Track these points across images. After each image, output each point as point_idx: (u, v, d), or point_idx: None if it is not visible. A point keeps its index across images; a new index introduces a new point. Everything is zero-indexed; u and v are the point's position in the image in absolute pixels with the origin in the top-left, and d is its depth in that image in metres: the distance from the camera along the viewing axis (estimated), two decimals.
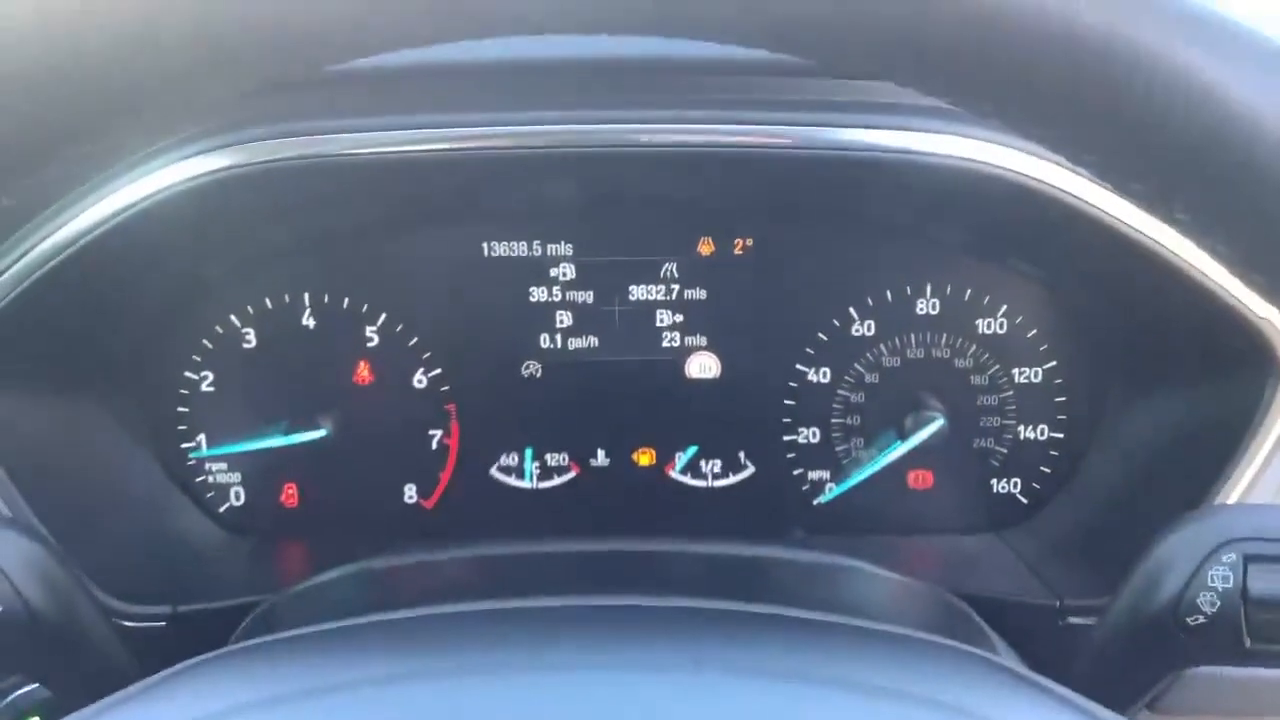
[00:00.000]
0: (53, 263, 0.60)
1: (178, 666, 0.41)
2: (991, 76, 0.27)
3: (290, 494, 0.79)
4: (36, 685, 0.60)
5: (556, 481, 0.80)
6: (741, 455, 0.80)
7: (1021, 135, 0.30)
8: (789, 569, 0.62)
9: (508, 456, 0.80)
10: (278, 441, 0.76)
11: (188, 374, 0.76)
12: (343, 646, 0.41)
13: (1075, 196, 0.61)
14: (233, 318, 0.76)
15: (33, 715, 0.60)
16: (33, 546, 0.49)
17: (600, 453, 0.80)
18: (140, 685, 0.40)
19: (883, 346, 0.77)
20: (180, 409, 0.77)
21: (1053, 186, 0.61)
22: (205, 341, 0.76)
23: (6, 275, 0.60)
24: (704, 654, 0.39)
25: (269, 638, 0.42)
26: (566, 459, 0.80)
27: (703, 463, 0.80)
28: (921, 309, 0.76)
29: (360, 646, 0.41)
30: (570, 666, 0.38)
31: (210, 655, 0.41)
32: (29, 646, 0.50)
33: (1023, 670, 0.38)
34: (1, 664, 0.55)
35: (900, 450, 0.76)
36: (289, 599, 0.59)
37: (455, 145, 0.64)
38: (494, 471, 0.80)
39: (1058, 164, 0.61)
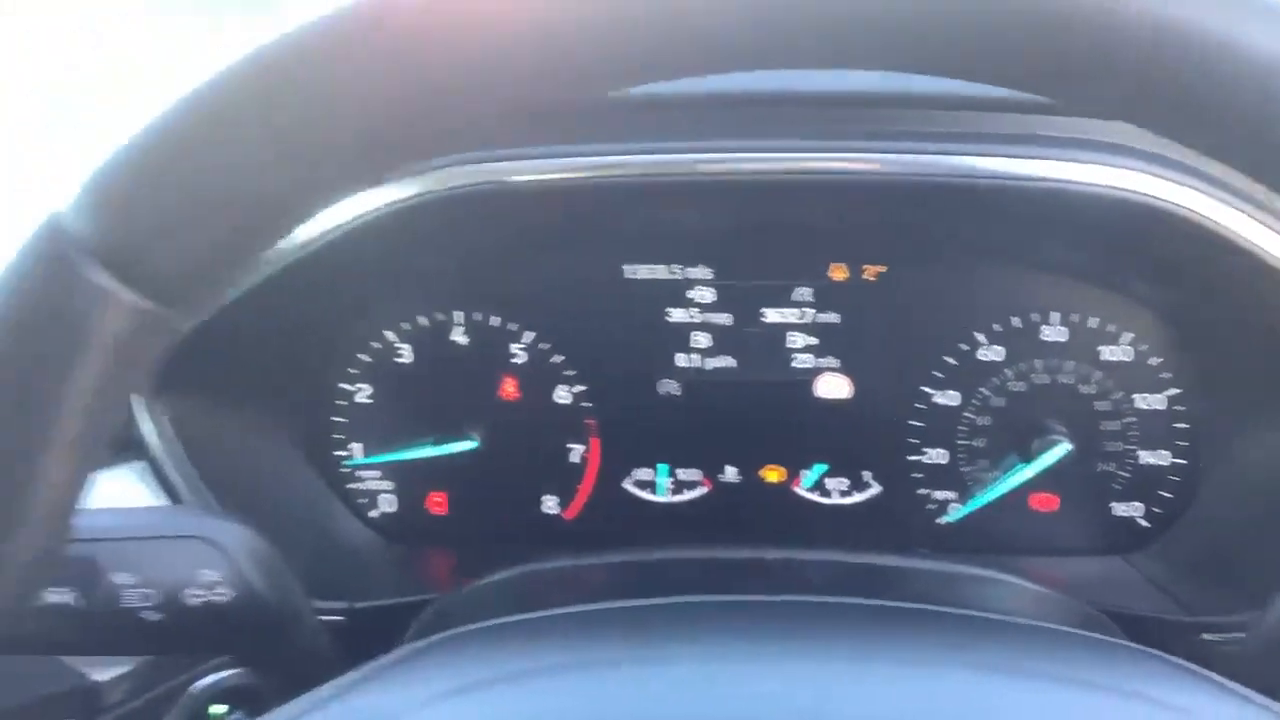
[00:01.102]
0: (259, 280, 0.65)
1: (404, 650, 0.45)
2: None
3: (438, 502, 0.83)
4: (230, 673, 0.65)
5: (688, 496, 0.84)
6: (868, 474, 0.82)
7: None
8: (936, 577, 0.65)
9: (641, 471, 0.83)
10: (430, 452, 0.80)
11: (344, 386, 0.81)
12: (557, 634, 0.44)
13: (1217, 223, 0.64)
14: (388, 334, 0.80)
15: (221, 703, 0.65)
16: (254, 535, 0.54)
17: (730, 469, 0.83)
18: (382, 662, 0.44)
19: (1010, 371, 0.79)
20: (336, 419, 0.81)
21: (1194, 212, 0.64)
22: (362, 356, 0.81)
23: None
24: (897, 648, 0.42)
25: (497, 621, 0.46)
26: (698, 474, 0.83)
27: (829, 480, 0.83)
28: (1048, 335, 0.79)
29: (568, 635, 0.45)
30: (778, 657, 0.41)
31: (446, 635, 0.45)
32: (249, 630, 0.54)
33: (1204, 671, 0.41)
34: (217, 645, 0.59)
35: (1027, 473, 0.79)
36: (464, 596, 0.63)
37: (606, 173, 0.68)
38: (627, 485, 0.83)
39: (1202, 190, 0.63)
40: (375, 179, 0.36)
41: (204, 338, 0.63)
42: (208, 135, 0.32)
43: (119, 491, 0.68)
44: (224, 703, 0.65)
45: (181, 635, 0.53)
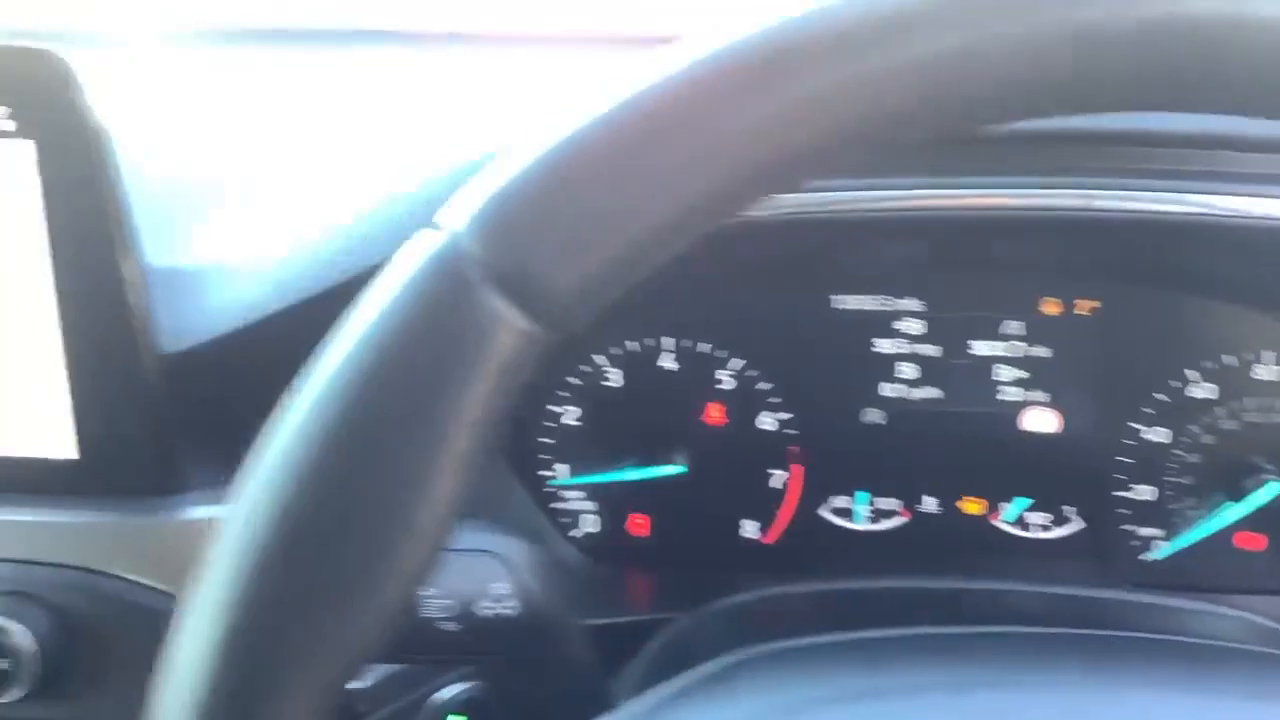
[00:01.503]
0: None
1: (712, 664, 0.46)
2: None
3: (639, 524, 0.84)
4: (467, 686, 0.66)
5: (885, 525, 0.84)
6: (1070, 509, 0.82)
7: None
8: (1170, 612, 0.64)
9: (840, 498, 0.84)
10: (637, 475, 0.82)
11: (553, 408, 0.83)
12: (870, 657, 0.45)
13: None
14: (597, 358, 0.82)
15: (459, 715, 0.66)
16: (534, 550, 0.55)
17: (929, 499, 0.83)
18: (692, 680, 0.45)
19: (1221, 409, 0.79)
20: (544, 440, 0.83)
21: None
22: (572, 379, 0.82)
23: None
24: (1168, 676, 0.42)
25: (802, 642, 0.47)
26: (897, 504, 0.84)
27: (1030, 514, 0.83)
28: (1261, 374, 0.78)
29: (880, 658, 0.46)
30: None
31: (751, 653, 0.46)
32: (530, 643, 0.56)
33: None
34: (499, 656, 0.61)
35: (1237, 511, 0.78)
36: (709, 617, 0.65)
37: (826, 210, 0.70)
38: (824, 512, 0.84)
39: None
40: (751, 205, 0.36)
41: None
42: (622, 159, 0.33)
43: None
44: (461, 714, 0.67)
45: (472, 646, 0.55)
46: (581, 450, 0.83)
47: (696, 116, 0.33)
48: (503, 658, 0.61)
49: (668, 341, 0.82)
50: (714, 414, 0.82)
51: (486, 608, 0.54)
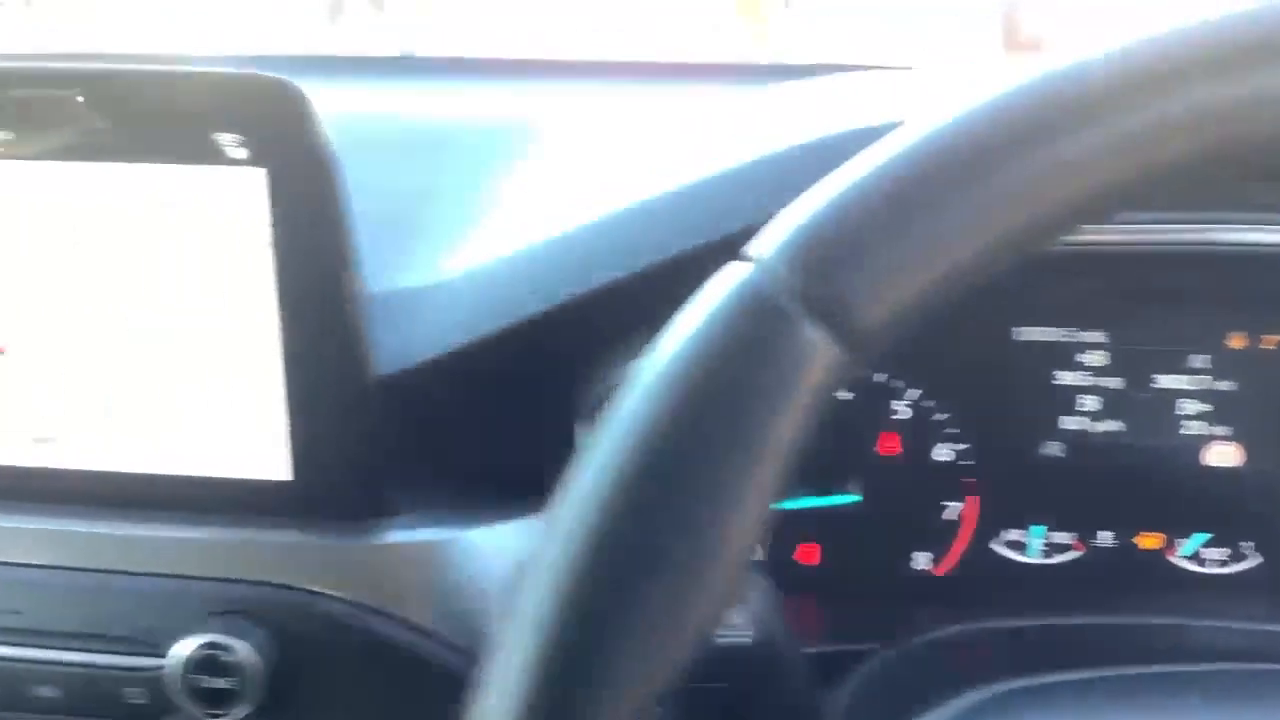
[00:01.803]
0: None
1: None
2: None
3: (809, 552, 0.84)
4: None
5: (1058, 559, 0.83)
6: (1249, 545, 0.81)
7: None
8: None
9: (1013, 531, 0.83)
10: (810, 503, 0.82)
11: None
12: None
13: None
14: None
15: None
16: (760, 577, 0.55)
17: (1105, 533, 0.83)
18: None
19: None
20: None
21: None
22: None
23: None
24: None
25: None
26: (1071, 537, 0.83)
27: (1206, 550, 0.82)
28: None
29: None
30: None
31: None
32: (758, 674, 0.56)
33: None
34: (727, 683, 0.61)
35: None
36: (914, 650, 0.64)
37: None
38: (996, 545, 0.84)
39: None
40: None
41: None
42: (944, 188, 0.34)
43: None
44: None
45: (706, 672, 0.55)
46: None
47: (1026, 147, 0.33)
48: (731, 686, 0.61)
49: None
50: (889, 444, 0.82)
51: (721, 635, 0.54)
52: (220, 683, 0.61)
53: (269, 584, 0.64)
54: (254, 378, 0.65)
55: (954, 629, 0.65)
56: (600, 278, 0.66)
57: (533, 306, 0.66)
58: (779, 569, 0.84)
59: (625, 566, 0.34)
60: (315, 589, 0.64)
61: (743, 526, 0.35)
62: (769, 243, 0.35)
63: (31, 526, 0.66)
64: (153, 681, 0.63)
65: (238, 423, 0.66)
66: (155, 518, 0.67)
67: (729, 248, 0.65)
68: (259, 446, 0.66)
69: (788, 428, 0.34)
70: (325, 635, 0.63)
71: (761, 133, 0.75)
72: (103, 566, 0.66)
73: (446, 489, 0.69)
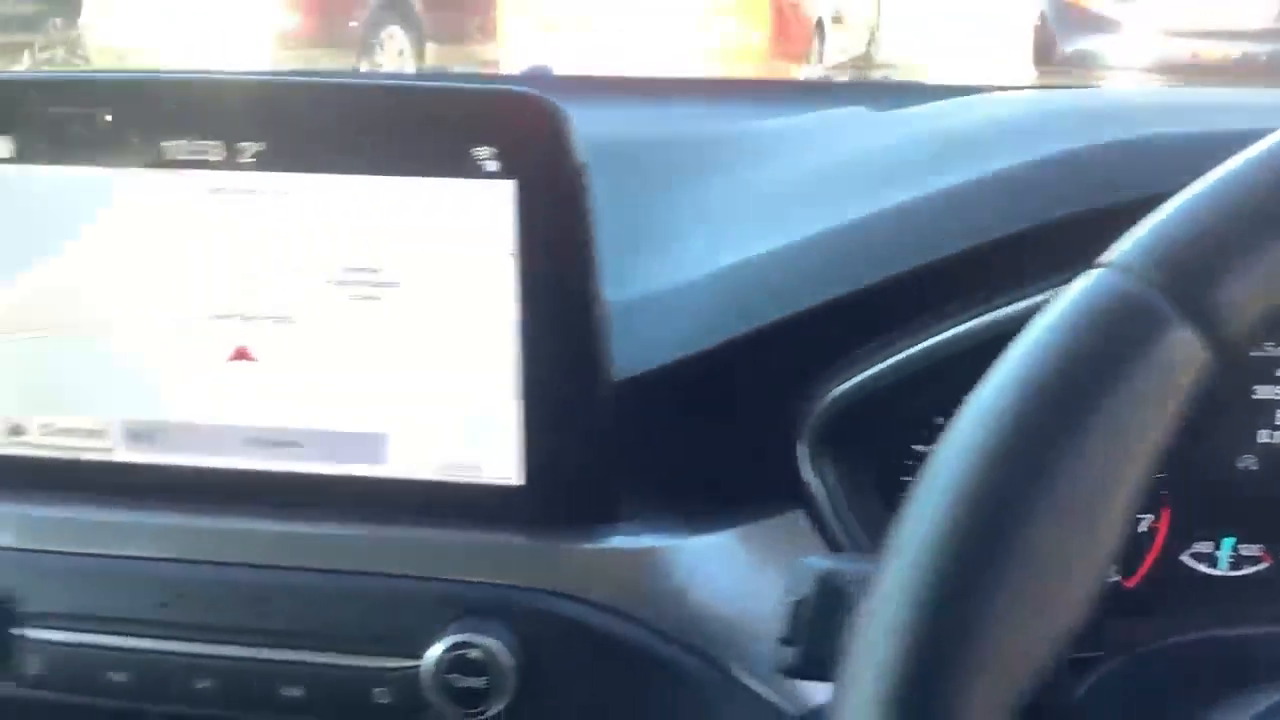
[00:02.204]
0: None
1: None
2: None
3: None
4: None
5: (1245, 571, 0.83)
6: None
7: None
8: None
9: (1202, 544, 0.83)
10: None
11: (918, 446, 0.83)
12: None
13: None
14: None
15: None
16: None
17: None
18: None
19: None
20: (906, 479, 0.84)
21: None
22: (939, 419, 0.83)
23: None
24: None
25: None
26: (1259, 549, 0.83)
27: None
28: None
29: None
30: None
31: None
32: None
33: None
34: None
35: None
36: (1141, 659, 0.65)
37: None
38: (1184, 557, 0.84)
39: None
40: None
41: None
42: None
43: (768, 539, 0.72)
44: None
45: None
46: None
47: None
48: None
49: None
50: None
51: None
52: (474, 682, 0.62)
53: (514, 586, 0.65)
54: (488, 384, 0.67)
55: (1192, 636, 0.66)
56: (844, 288, 0.67)
57: (770, 314, 0.67)
58: None
59: (1001, 565, 0.35)
60: (557, 590, 0.66)
61: (1113, 530, 0.36)
62: (1138, 248, 0.36)
63: (273, 529, 0.68)
64: (403, 681, 0.64)
65: (470, 429, 0.68)
66: (387, 521, 0.68)
67: (979, 257, 0.67)
68: (490, 452, 0.68)
69: (1162, 431, 0.35)
70: (567, 636, 0.65)
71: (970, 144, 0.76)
72: (342, 568, 0.67)
73: (666, 496, 0.70)
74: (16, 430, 0.72)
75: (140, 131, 0.65)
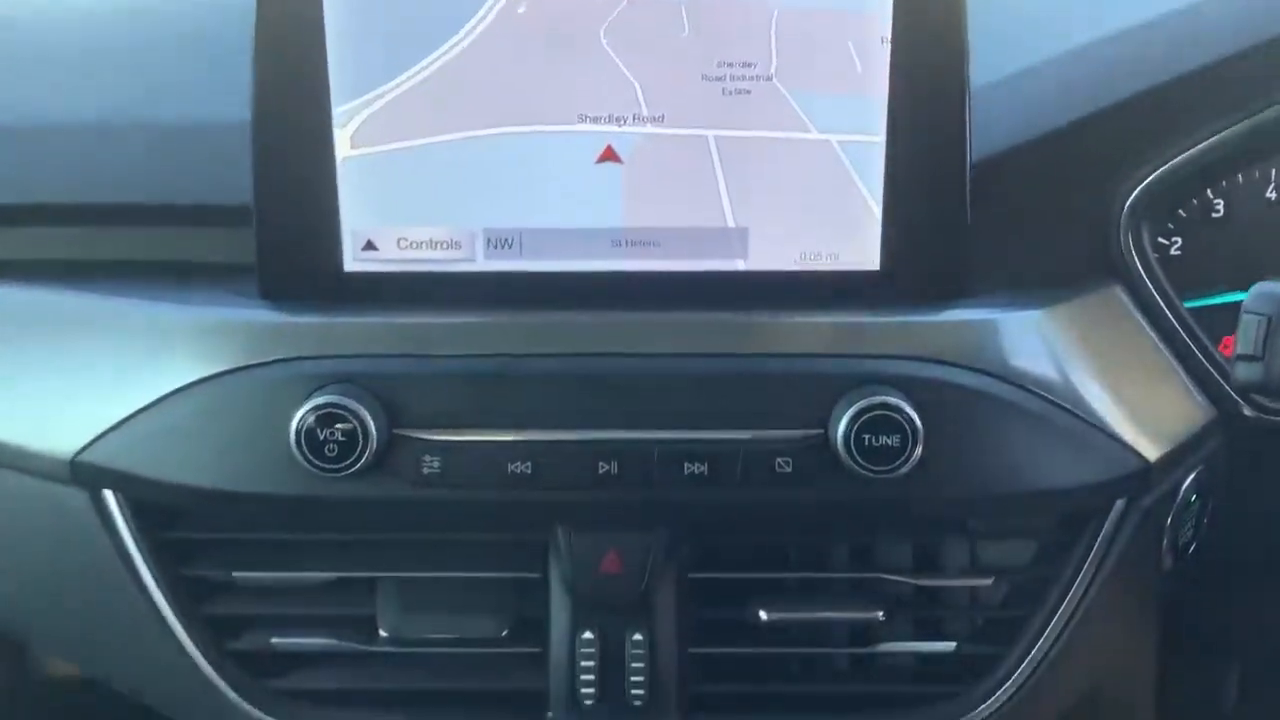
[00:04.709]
0: None
1: None
2: None
3: None
4: None
5: None
6: None
7: None
8: None
9: None
10: None
11: None
12: None
13: None
14: None
15: None
16: None
17: None
18: None
19: None
20: None
21: None
22: None
23: None
24: None
25: None
26: None
27: None
28: None
29: None
30: None
31: None
32: None
33: None
34: None
35: None
36: None
37: None
38: None
39: None
40: None
41: None
42: None
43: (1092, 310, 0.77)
44: None
45: None
46: None
47: None
48: None
49: None
50: None
51: None
52: (890, 439, 0.67)
53: (897, 356, 0.70)
54: (853, 174, 0.70)
55: None
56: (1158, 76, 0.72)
57: (1133, 88, 0.72)
58: None
59: None
60: (927, 357, 0.70)
61: None
62: None
63: (642, 319, 0.71)
64: (807, 449, 0.69)
65: (831, 219, 0.72)
66: (748, 310, 0.72)
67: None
68: (850, 240, 0.72)
69: None
70: (961, 401, 0.70)
71: None
72: (726, 351, 0.71)
73: (1002, 273, 0.75)
74: (369, 246, 0.72)
75: None
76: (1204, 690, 1.06)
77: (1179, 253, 0.90)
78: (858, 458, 0.67)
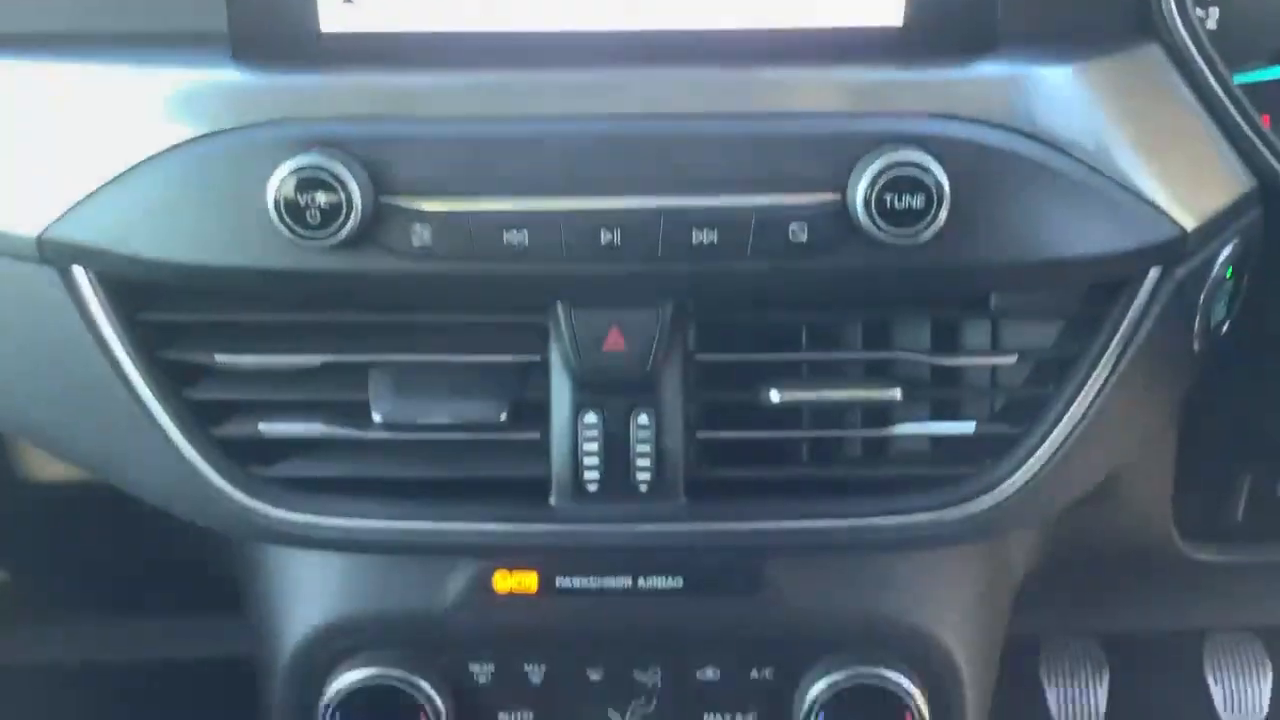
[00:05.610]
0: None
1: None
2: None
3: None
4: None
5: None
6: None
7: None
8: None
9: None
10: None
11: None
12: None
13: None
14: None
15: None
16: None
17: None
18: None
19: None
20: None
21: None
22: None
23: None
24: None
25: None
26: None
27: None
28: None
29: None
30: None
31: None
32: None
33: None
34: None
35: None
36: None
37: None
38: None
39: None
40: None
41: None
42: None
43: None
44: None
45: None
46: None
47: None
48: None
49: None
50: None
51: None
52: (913, 200, 0.62)
53: (934, 114, 0.65)
54: None
55: None
56: None
57: None
58: None
59: None
60: (953, 114, 0.65)
61: None
62: None
63: (656, 75, 0.66)
64: (824, 215, 0.64)
65: None
66: (770, 65, 0.67)
67: None
68: None
69: None
70: (988, 161, 0.65)
71: None
72: (740, 110, 0.66)
73: (1033, 26, 0.70)
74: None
75: None
76: (1215, 497, 1.04)
77: (1214, 26, 0.85)
78: (878, 221, 0.63)
